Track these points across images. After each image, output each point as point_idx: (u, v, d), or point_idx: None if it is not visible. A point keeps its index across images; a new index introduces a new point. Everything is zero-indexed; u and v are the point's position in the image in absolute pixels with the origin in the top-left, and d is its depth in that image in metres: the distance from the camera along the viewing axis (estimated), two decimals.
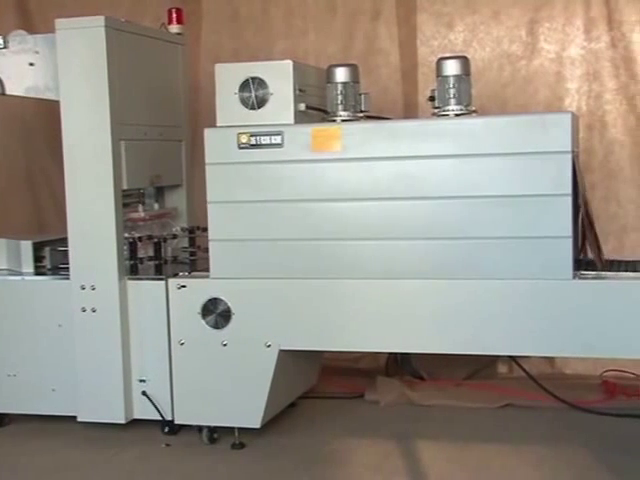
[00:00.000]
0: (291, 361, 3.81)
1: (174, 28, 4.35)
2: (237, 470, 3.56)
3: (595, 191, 4.47)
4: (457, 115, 3.51)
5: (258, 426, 3.71)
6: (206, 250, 3.79)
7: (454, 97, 3.52)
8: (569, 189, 3.32)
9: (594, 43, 4.65)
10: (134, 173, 3.93)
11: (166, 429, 3.87)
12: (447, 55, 3.75)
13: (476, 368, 4.61)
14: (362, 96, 3.70)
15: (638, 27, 4.57)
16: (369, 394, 4.39)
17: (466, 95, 3.54)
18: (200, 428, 3.81)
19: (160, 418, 3.84)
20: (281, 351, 3.66)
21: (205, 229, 3.81)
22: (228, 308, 3.68)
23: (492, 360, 4.66)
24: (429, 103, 3.62)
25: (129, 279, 3.86)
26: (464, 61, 3.55)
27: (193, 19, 4.99)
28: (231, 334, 3.68)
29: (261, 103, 3.62)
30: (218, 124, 3.68)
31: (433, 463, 3.54)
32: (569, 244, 3.35)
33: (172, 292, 3.76)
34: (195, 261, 4.17)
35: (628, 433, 3.78)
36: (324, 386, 4.46)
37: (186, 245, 4.30)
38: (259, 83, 3.61)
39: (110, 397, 3.84)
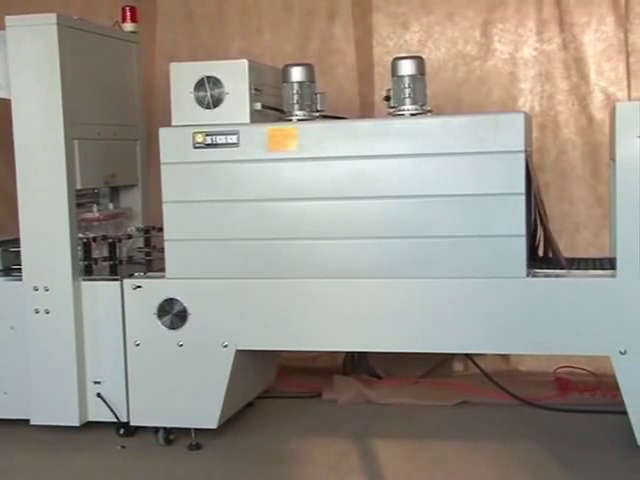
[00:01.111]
0: (248, 361, 3.80)
1: (128, 26, 4.31)
2: (194, 471, 3.54)
3: (548, 190, 4.53)
4: (412, 115, 3.53)
5: (215, 427, 3.70)
6: (162, 250, 3.77)
7: (409, 97, 3.54)
8: (522, 188, 3.36)
9: (546, 44, 4.71)
10: (88, 173, 3.89)
11: (121, 431, 3.84)
12: (402, 55, 3.77)
13: (432, 366, 4.64)
14: (318, 96, 3.71)
15: (588, 29, 4.64)
16: (326, 393, 4.40)
17: (421, 95, 3.56)
18: (156, 429, 3.78)
19: (115, 420, 3.81)
20: (238, 351, 3.65)
21: (161, 229, 3.79)
22: (184, 308, 3.66)
23: (448, 358, 4.70)
24: (385, 103, 3.65)
25: (83, 280, 3.82)
26: (419, 61, 3.58)
27: (148, 18, 4.96)
28: (187, 334, 3.66)
29: (217, 102, 3.61)
30: (173, 123, 3.66)
31: (390, 461, 3.56)
32: (523, 243, 3.39)
33: (127, 293, 3.73)
34: (151, 261, 4.14)
35: (580, 428, 3.84)
36: (281, 386, 4.46)
37: (141, 245, 4.26)
38: (215, 82, 3.59)
39: (64, 399, 3.80)
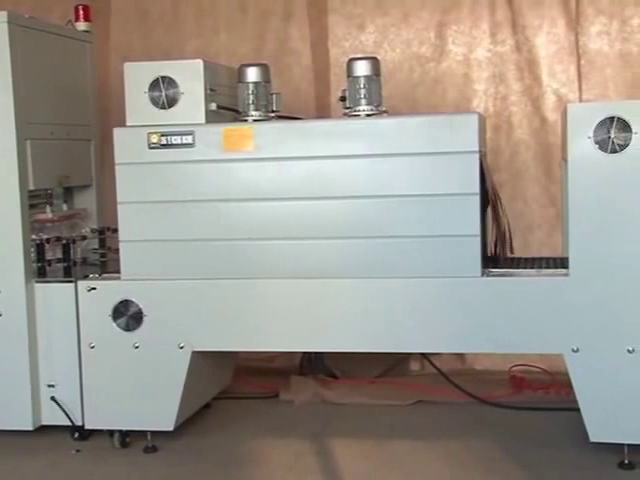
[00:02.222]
0: (204, 362, 3.78)
1: (81, 26, 4.26)
2: (150, 474, 3.52)
3: (502, 190, 4.54)
4: (368, 115, 3.55)
5: (171, 429, 3.67)
6: (117, 251, 3.73)
7: (365, 97, 3.55)
8: (477, 188, 3.40)
9: (499, 46, 4.77)
10: (41, 173, 3.84)
11: (76, 435, 3.79)
12: (358, 56, 3.79)
13: (389, 366, 4.66)
14: (274, 96, 3.70)
15: (540, 31, 4.71)
16: (283, 394, 4.40)
17: (377, 95, 3.58)
18: (111, 432, 3.75)
19: (70, 424, 3.76)
20: (194, 352, 3.63)
21: (116, 230, 3.75)
22: (140, 310, 3.63)
23: (404, 358, 4.72)
24: (340, 103, 3.65)
25: (37, 282, 3.77)
26: (374, 62, 3.59)
27: (101, 17, 4.91)
28: (143, 336, 3.64)
29: (171, 102, 3.59)
30: (128, 124, 3.63)
31: (347, 461, 3.57)
32: (477, 242, 3.42)
33: (82, 294, 3.69)
34: (105, 263, 4.11)
35: (534, 425, 3.89)
36: (238, 386, 4.45)
37: (96, 246, 4.22)
38: (169, 82, 3.57)
39: (17, 403, 3.74)
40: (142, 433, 3.71)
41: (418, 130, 3.43)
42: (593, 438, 3.34)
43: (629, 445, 3.33)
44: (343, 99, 3.62)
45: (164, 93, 3.58)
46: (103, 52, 4.90)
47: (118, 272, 3.69)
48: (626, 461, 3.34)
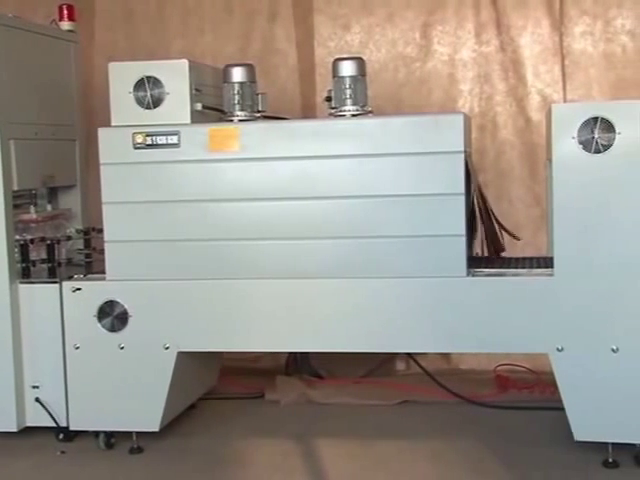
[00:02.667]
0: (190, 363, 3.77)
1: (66, 25, 4.24)
2: (136, 475, 3.51)
3: (487, 190, 4.54)
4: (353, 115, 3.55)
5: (157, 429, 3.66)
6: (102, 252, 3.72)
7: (350, 98, 3.56)
8: (462, 188, 3.41)
9: (484, 46, 4.78)
10: (25, 173, 3.82)
11: (61, 436, 3.78)
12: (343, 56, 3.79)
13: (374, 366, 4.67)
14: (259, 96, 3.70)
15: (525, 32, 4.72)
16: (269, 394, 4.40)
17: (362, 96, 3.58)
18: (96, 433, 3.73)
19: (54, 425, 3.74)
20: (180, 353, 3.62)
21: (101, 230, 3.73)
22: (125, 310, 3.62)
23: (390, 357, 4.73)
24: (326, 104, 3.66)
25: (21, 283, 3.75)
26: (360, 62, 3.60)
27: (86, 16, 4.89)
28: (128, 337, 3.63)
29: (157, 102, 3.58)
30: (113, 124, 3.62)
31: (333, 461, 3.57)
32: (463, 242, 3.43)
33: (66, 295, 3.67)
34: (90, 263, 4.09)
35: (520, 425, 3.90)
36: (224, 387, 4.44)
37: (81, 247, 4.20)
38: (154, 82, 3.56)
39: (1, 405, 3.72)
40: (127, 434, 3.69)
41: (403, 130, 3.44)
42: (578, 437, 3.36)
43: (613, 444, 3.35)
44: (329, 99, 3.63)
45: (149, 93, 3.57)
46: (88, 52, 4.88)
47: (103, 273, 3.68)
48: (610, 460, 3.35)
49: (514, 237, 3.74)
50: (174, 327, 3.61)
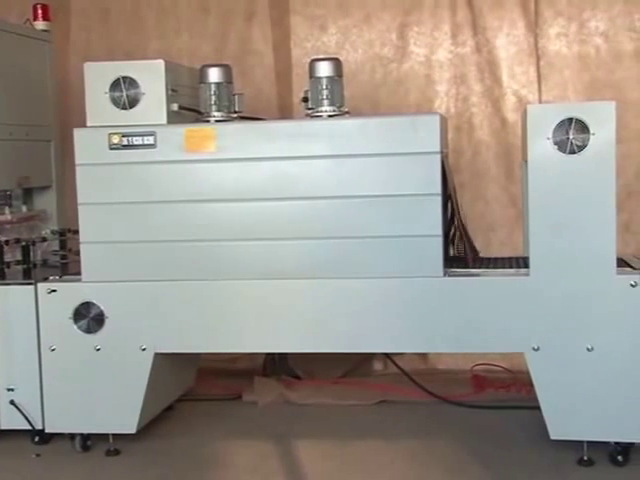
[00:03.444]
0: (167, 364, 3.76)
1: (40, 25, 4.22)
2: (113, 478, 3.49)
3: (464, 191, 4.61)
4: (330, 116, 3.55)
5: (134, 431, 3.65)
6: (78, 253, 3.70)
7: (327, 98, 3.56)
8: (439, 189, 3.42)
9: (460, 47, 4.80)
10: None
11: (36, 439, 3.75)
12: (320, 57, 3.79)
13: (352, 366, 4.68)
14: (236, 97, 3.69)
15: (500, 33, 4.75)
16: (247, 395, 4.39)
17: (339, 96, 3.59)
18: (72, 436, 3.71)
19: (30, 427, 3.71)
20: (156, 354, 3.61)
21: (76, 231, 3.71)
22: (101, 312, 3.60)
23: (367, 358, 4.74)
24: (303, 104, 3.66)
25: None
26: (336, 63, 3.60)
27: (61, 16, 4.86)
28: (104, 338, 3.61)
29: (133, 103, 3.56)
30: (88, 124, 3.60)
31: (311, 462, 3.57)
32: (439, 242, 3.44)
33: (42, 297, 3.64)
34: (66, 264, 4.07)
35: (496, 424, 3.92)
36: (201, 388, 4.43)
37: (57, 248, 4.17)
38: (130, 83, 3.55)
39: None
40: (104, 436, 3.68)
41: (380, 131, 3.45)
42: (553, 435, 3.38)
43: (588, 442, 3.37)
44: (305, 100, 3.63)
45: (125, 93, 3.56)
46: (63, 52, 4.86)
47: (79, 274, 3.65)
48: (585, 458, 3.38)
49: (473, 251, 3.71)
50: (151, 328, 3.59)
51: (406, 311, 3.47)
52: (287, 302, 3.52)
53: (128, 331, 3.60)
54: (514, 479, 3.34)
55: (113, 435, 3.67)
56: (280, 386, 4.44)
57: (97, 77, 3.57)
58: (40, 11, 4.22)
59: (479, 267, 3.59)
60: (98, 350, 3.61)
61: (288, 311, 3.52)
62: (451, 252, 3.68)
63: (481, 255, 3.79)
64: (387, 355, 4.58)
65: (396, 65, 4.86)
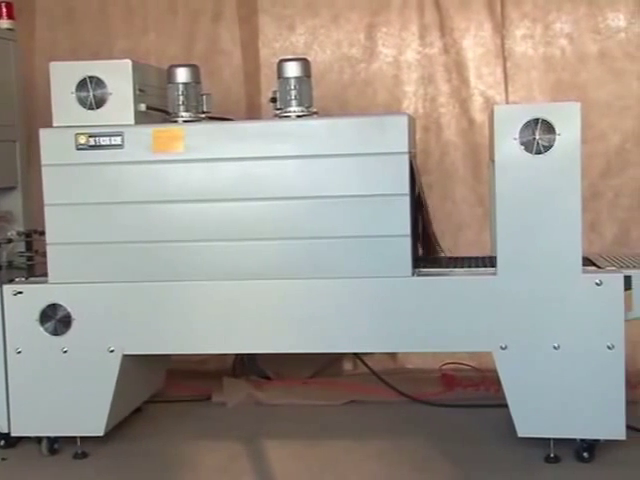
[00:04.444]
0: (135, 366, 3.73)
1: (4, 23, 4.16)
2: None
3: (432, 191, 4.63)
4: (298, 116, 3.55)
5: (102, 434, 3.62)
6: (44, 254, 3.66)
7: (295, 98, 3.56)
8: (407, 189, 3.43)
9: (428, 48, 4.82)
10: None
11: (2, 442, 3.70)
12: (288, 57, 3.79)
13: (321, 366, 4.68)
14: (204, 97, 3.68)
15: (468, 34, 4.77)
16: (216, 396, 4.37)
17: (307, 96, 3.59)
18: (39, 439, 3.67)
19: None
20: (125, 356, 3.58)
21: (43, 233, 3.68)
22: (68, 314, 3.57)
23: (337, 358, 4.75)
24: (271, 104, 3.65)
25: None
26: (304, 63, 3.60)
27: (26, 15, 4.80)
28: (71, 340, 3.58)
29: (99, 103, 3.54)
30: (55, 124, 3.57)
31: (280, 462, 3.57)
32: (408, 242, 3.45)
33: (7, 299, 3.60)
34: (33, 266, 4.02)
35: (465, 422, 3.95)
36: (171, 390, 4.41)
37: (23, 250, 4.12)
38: (97, 82, 3.52)
39: None
40: (71, 439, 3.64)
41: (348, 131, 3.45)
42: (521, 433, 3.41)
43: (555, 439, 3.41)
44: (274, 100, 3.62)
45: (92, 93, 3.53)
46: (28, 51, 4.80)
47: (45, 275, 3.62)
48: (552, 455, 3.41)
49: (437, 247, 3.74)
50: (118, 330, 3.57)
51: (375, 311, 3.48)
52: (256, 303, 3.51)
53: (95, 333, 3.57)
54: (482, 477, 3.36)
55: (81, 438, 3.64)
56: (249, 387, 4.44)
57: (63, 77, 3.54)
58: (4, 9, 4.17)
59: (447, 267, 3.61)
60: (65, 352, 3.58)
61: (257, 312, 3.52)
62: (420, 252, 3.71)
63: (449, 255, 3.81)
64: (356, 355, 4.59)
65: (364, 65, 4.87)
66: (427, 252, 3.66)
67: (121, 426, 3.83)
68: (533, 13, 4.72)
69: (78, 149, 3.53)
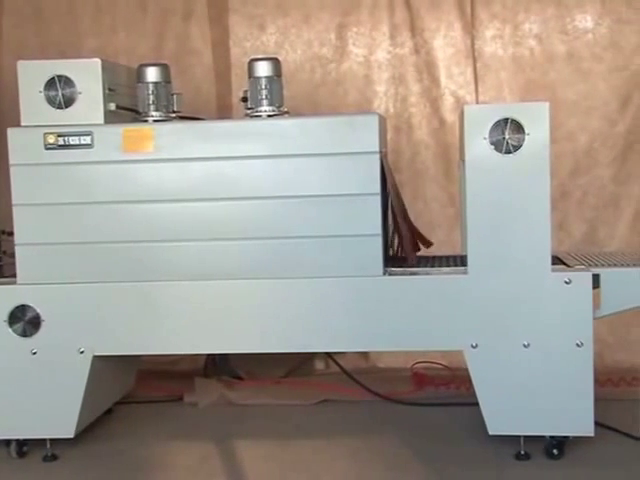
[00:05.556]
0: (106, 367, 3.71)
1: None
2: None
3: (403, 190, 4.60)
4: (269, 116, 3.55)
5: (72, 436, 3.59)
6: (13, 255, 3.62)
7: (266, 98, 3.56)
8: (378, 188, 3.44)
9: (399, 48, 4.84)
10: None
11: None
12: (259, 56, 3.78)
13: (293, 366, 4.68)
14: (174, 96, 3.67)
15: (438, 34, 4.79)
16: (188, 396, 4.36)
17: (278, 96, 3.59)
18: (8, 442, 3.64)
19: None
20: (95, 357, 3.56)
21: (11, 233, 3.64)
22: (37, 315, 3.54)
23: (309, 357, 4.75)
24: (242, 104, 3.65)
25: None
26: (275, 62, 3.60)
27: None
28: (41, 342, 3.54)
29: (68, 102, 3.51)
30: (23, 124, 3.53)
31: (251, 462, 3.57)
32: (379, 242, 3.46)
33: None
34: (1, 267, 3.97)
35: (436, 421, 3.97)
36: (142, 390, 4.38)
37: None
38: (66, 81, 3.49)
39: None
40: (41, 441, 3.61)
41: (319, 131, 3.46)
42: (491, 431, 3.43)
43: (525, 436, 3.44)
44: (245, 100, 3.62)
45: (60, 93, 3.50)
46: None
47: (14, 276, 3.59)
48: (522, 452, 3.44)
49: (425, 242, 3.77)
50: (89, 331, 3.54)
51: (347, 310, 3.49)
52: (227, 303, 3.51)
53: (65, 334, 3.54)
54: (454, 474, 3.38)
55: (50, 440, 3.61)
56: (221, 387, 4.42)
57: (31, 76, 3.51)
58: None
59: (419, 266, 3.63)
60: (34, 354, 3.55)
61: (229, 312, 3.51)
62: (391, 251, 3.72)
63: (421, 254, 3.83)
64: (328, 354, 4.60)
65: (335, 65, 4.88)
66: (410, 249, 3.65)
67: (92, 427, 3.81)
68: (502, 14, 4.75)
69: (47, 149, 3.50)
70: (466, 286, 3.42)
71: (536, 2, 4.72)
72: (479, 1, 4.74)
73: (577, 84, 4.71)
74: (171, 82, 3.69)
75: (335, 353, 4.49)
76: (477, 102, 4.75)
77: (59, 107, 3.51)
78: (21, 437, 3.62)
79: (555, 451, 3.42)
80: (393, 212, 3.60)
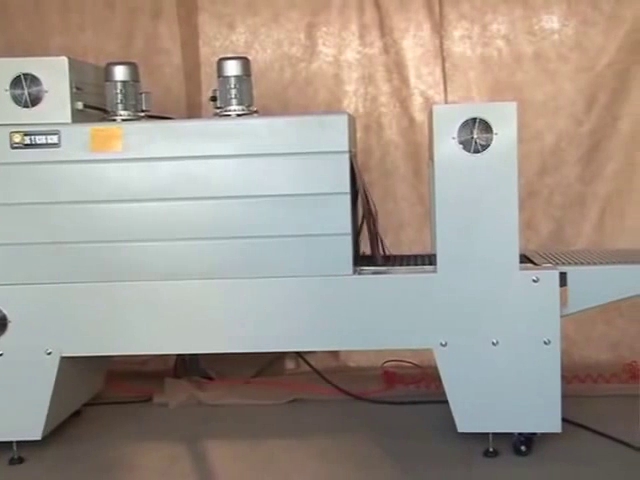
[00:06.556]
0: (74, 368, 3.68)
1: None
2: None
3: (373, 190, 4.62)
4: (239, 115, 3.54)
5: (39, 438, 3.56)
6: None
7: (235, 97, 3.55)
8: (347, 188, 3.44)
9: (368, 48, 4.85)
10: None
11: None
12: (228, 55, 3.77)
13: (264, 365, 4.67)
14: (143, 95, 3.65)
15: (407, 34, 4.81)
16: (157, 397, 4.34)
17: (247, 95, 3.58)
18: None
19: None
20: (63, 358, 3.53)
21: None
22: (4, 316, 3.50)
23: (279, 357, 4.75)
24: (211, 103, 3.64)
25: None
26: (244, 62, 3.59)
27: None
28: (8, 343, 3.51)
29: (35, 101, 3.47)
30: None
31: (222, 463, 3.56)
32: (349, 241, 3.47)
33: None
34: None
35: (406, 419, 3.98)
36: (111, 391, 4.35)
37: None
38: (32, 80, 3.46)
39: None
40: (7, 444, 3.57)
41: (288, 130, 3.45)
42: (460, 429, 3.45)
43: (494, 434, 3.46)
44: (214, 99, 3.61)
45: (27, 91, 3.46)
46: None
47: None
48: (491, 449, 3.47)
49: (383, 249, 3.75)
50: (56, 332, 3.51)
51: (317, 309, 3.49)
52: (196, 303, 3.49)
53: (32, 335, 3.51)
54: (423, 472, 3.40)
55: (17, 443, 3.57)
56: (191, 387, 4.41)
57: None
58: None
59: (388, 265, 3.64)
60: (1, 355, 3.51)
61: (197, 312, 3.50)
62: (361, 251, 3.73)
63: (391, 253, 3.84)
64: (299, 354, 4.60)
65: (305, 65, 4.88)
66: (373, 250, 3.66)
67: (59, 429, 3.78)
68: (471, 14, 4.77)
69: (13, 148, 3.46)
70: (435, 285, 3.44)
71: (504, 3, 4.76)
72: (447, 1, 4.76)
73: (544, 84, 4.75)
74: (140, 81, 3.66)
75: (305, 352, 4.49)
76: (446, 102, 4.78)
77: (25, 106, 3.47)
78: None
79: (523, 448, 3.45)
80: (368, 210, 3.60)
